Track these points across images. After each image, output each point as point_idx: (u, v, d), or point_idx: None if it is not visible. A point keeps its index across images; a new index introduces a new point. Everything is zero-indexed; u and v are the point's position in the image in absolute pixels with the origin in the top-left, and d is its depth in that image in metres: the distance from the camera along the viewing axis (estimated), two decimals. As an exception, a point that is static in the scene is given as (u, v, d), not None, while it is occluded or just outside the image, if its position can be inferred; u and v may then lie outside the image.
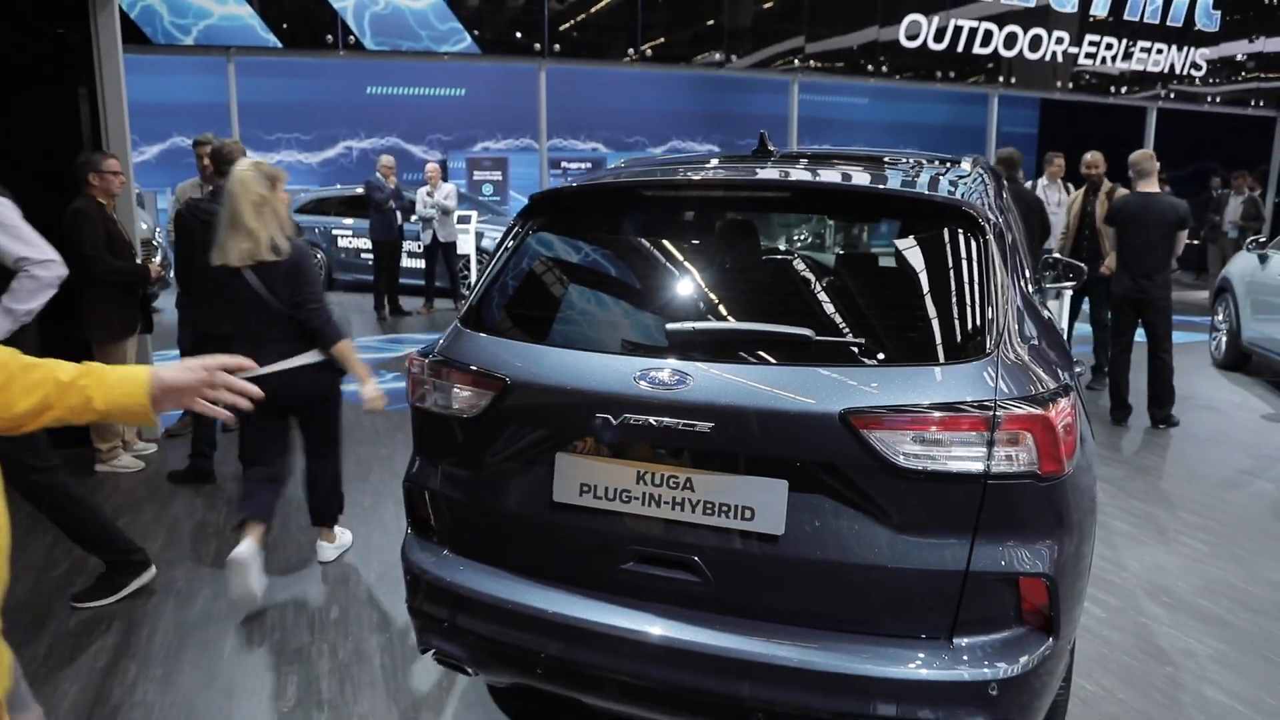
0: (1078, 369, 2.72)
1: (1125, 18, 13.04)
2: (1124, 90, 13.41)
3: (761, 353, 2.17)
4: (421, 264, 10.90)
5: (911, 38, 11.71)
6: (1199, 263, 14.06)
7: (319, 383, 3.76)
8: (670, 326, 2.24)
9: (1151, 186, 6.19)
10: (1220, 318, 8.40)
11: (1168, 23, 13.41)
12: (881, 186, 2.49)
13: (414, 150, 17.01)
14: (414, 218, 10.49)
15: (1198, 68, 13.88)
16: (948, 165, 2.90)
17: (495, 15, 10.07)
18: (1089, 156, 7.24)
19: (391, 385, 7.30)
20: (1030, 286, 2.60)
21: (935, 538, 2.01)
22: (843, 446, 2.00)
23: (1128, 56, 13.23)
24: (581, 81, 14.42)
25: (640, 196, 2.69)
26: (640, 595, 2.19)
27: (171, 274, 6.11)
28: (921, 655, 2.00)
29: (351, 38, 9.36)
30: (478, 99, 17.04)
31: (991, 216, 2.30)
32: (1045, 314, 2.77)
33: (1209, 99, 14.19)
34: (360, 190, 10.80)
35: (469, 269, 11.10)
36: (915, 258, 2.31)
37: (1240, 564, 4.12)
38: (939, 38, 11.84)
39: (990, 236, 2.23)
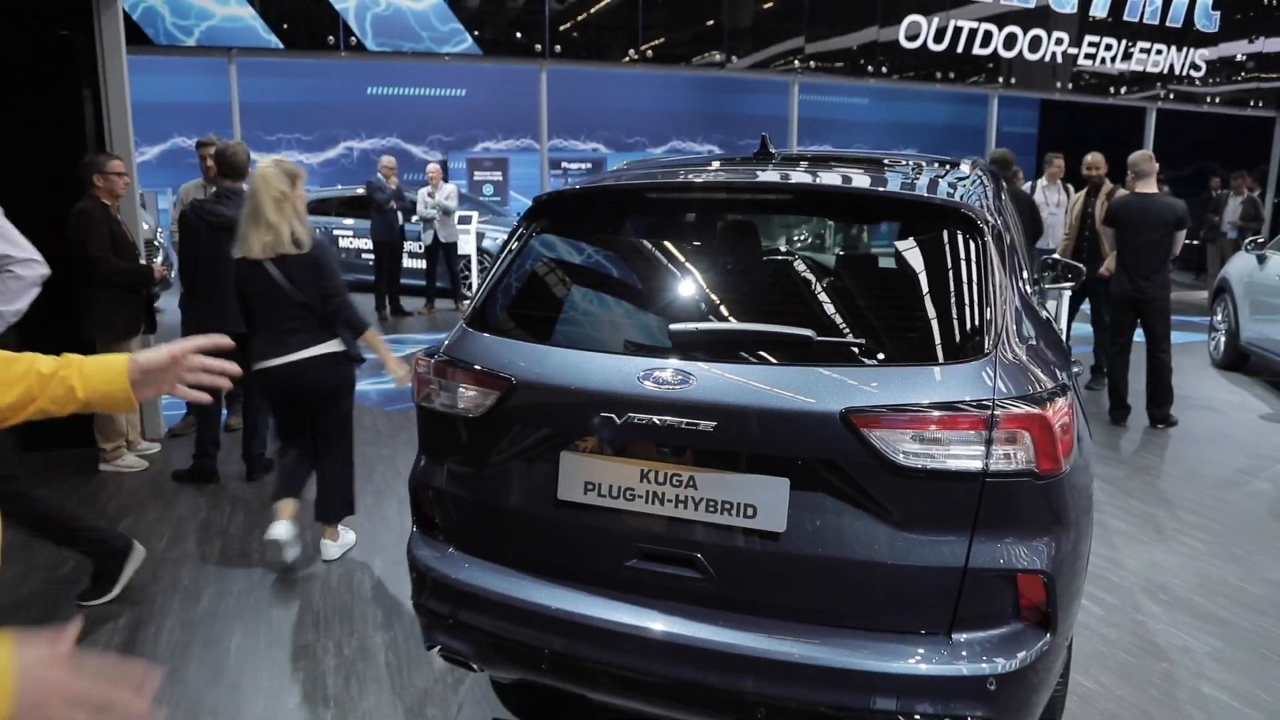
0: (1076, 369, 2.75)
1: (1125, 18, 13.06)
2: (1123, 91, 13.44)
3: (763, 353, 2.20)
4: (422, 264, 10.93)
5: (911, 38, 11.74)
6: (1198, 263, 14.09)
7: (333, 374, 3.92)
8: (673, 327, 2.27)
9: (1150, 187, 6.22)
10: (1219, 318, 8.43)
11: (1167, 23, 13.44)
12: (882, 189, 2.52)
13: (414, 151, 17.03)
14: (415, 218, 10.52)
15: (1197, 68, 13.91)
16: (947, 167, 2.93)
17: (496, 16, 10.10)
18: (1090, 158, 7.26)
19: (392, 385, 7.33)
20: (1028, 287, 2.63)
21: (934, 535, 2.04)
22: (843, 445, 2.03)
23: (1127, 57, 13.26)
24: (582, 82, 14.44)
25: (643, 199, 2.72)
26: (644, 592, 2.22)
27: (174, 274, 6.14)
28: (921, 651, 2.03)
29: (353, 39, 9.38)
30: (478, 99, 17.06)
31: (990, 218, 2.33)
32: (1044, 314, 2.80)
33: (1208, 99, 14.22)
34: (361, 191, 10.82)
35: (470, 269, 11.13)
36: (915, 259, 2.34)
37: (1237, 563, 4.15)
38: (939, 38, 11.87)
39: (989, 238, 2.26)
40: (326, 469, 4.02)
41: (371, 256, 10.71)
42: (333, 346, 3.87)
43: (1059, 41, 12.65)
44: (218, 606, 3.67)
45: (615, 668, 2.20)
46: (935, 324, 2.17)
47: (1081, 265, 4.56)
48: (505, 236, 2.76)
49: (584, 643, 2.22)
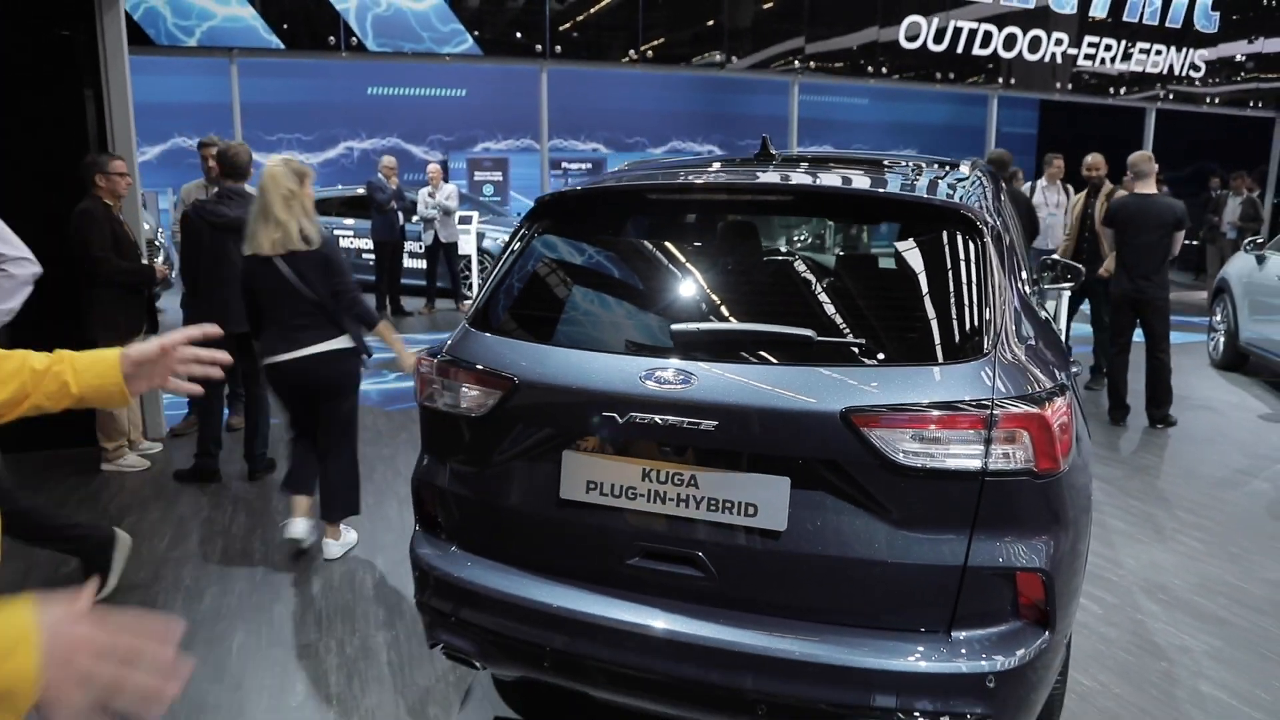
0: (1075, 369, 2.77)
1: (1124, 19, 13.07)
2: (1123, 91, 13.45)
3: (764, 353, 2.22)
4: (423, 264, 10.95)
5: (911, 39, 11.75)
6: (1198, 263, 14.11)
7: (341, 369, 3.98)
8: (675, 327, 2.28)
9: (1149, 188, 6.23)
10: (1218, 318, 8.44)
11: (1167, 24, 13.44)
12: (882, 190, 2.53)
13: (415, 151, 17.04)
14: (415, 218, 10.53)
15: (1196, 69, 13.92)
16: (946, 168, 2.95)
17: (496, 17, 10.11)
18: (1090, 159, 7.27)
19: (393, 386, 7.36)
20: (1027, 288, 2.65)
21: (934, 533, 2.05)
22: (844, 444, 2.04)
23: (1127, 57, 13.27)
24: (582, 82, 14.46)
25: (645, 200, 2.73)
26: (645, 590, 2.24)
27: (174, 274, 6.16)
28: (921, 648, 2.04)
29: (354, 39, 9.39)
30: (478, 99, 17.07)
31: (989, 219, 2.34)
32: (1043, 315, 2.82)
33: (1208, 100, 14.23)
34: (361, 191, 10.83)
35: (470, 269, 11.14)
36: (915, 260, 2.36)
37: (1236, 562, 4.16)
38: (939, 39, 11.89)
39: (988, 239, 2.27)
40: (330, 467, 4.05)
41: (372, 256, 10.72)
42: (341, 343, 3.93)
43: (1059, 42, 12.66)
44: (220, 605, 3.68)
45: (617, 665, 2.22)
46: (935, 324, 2.19)
47: (1080, 266, 4.58)
48: (507, 237, 2.78)
49: (586, 641, 2.24)
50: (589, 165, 17.11)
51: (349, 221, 11.94)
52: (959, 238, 2.28)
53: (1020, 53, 12.45)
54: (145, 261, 5.38)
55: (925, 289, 2.28)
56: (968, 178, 2.75)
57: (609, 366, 2.26)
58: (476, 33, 9.89)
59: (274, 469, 5.20)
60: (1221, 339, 8.31)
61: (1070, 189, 8.77)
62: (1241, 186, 12.54)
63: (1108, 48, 13.08)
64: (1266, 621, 3.61)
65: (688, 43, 10.97)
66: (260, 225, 3.82)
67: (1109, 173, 7.33)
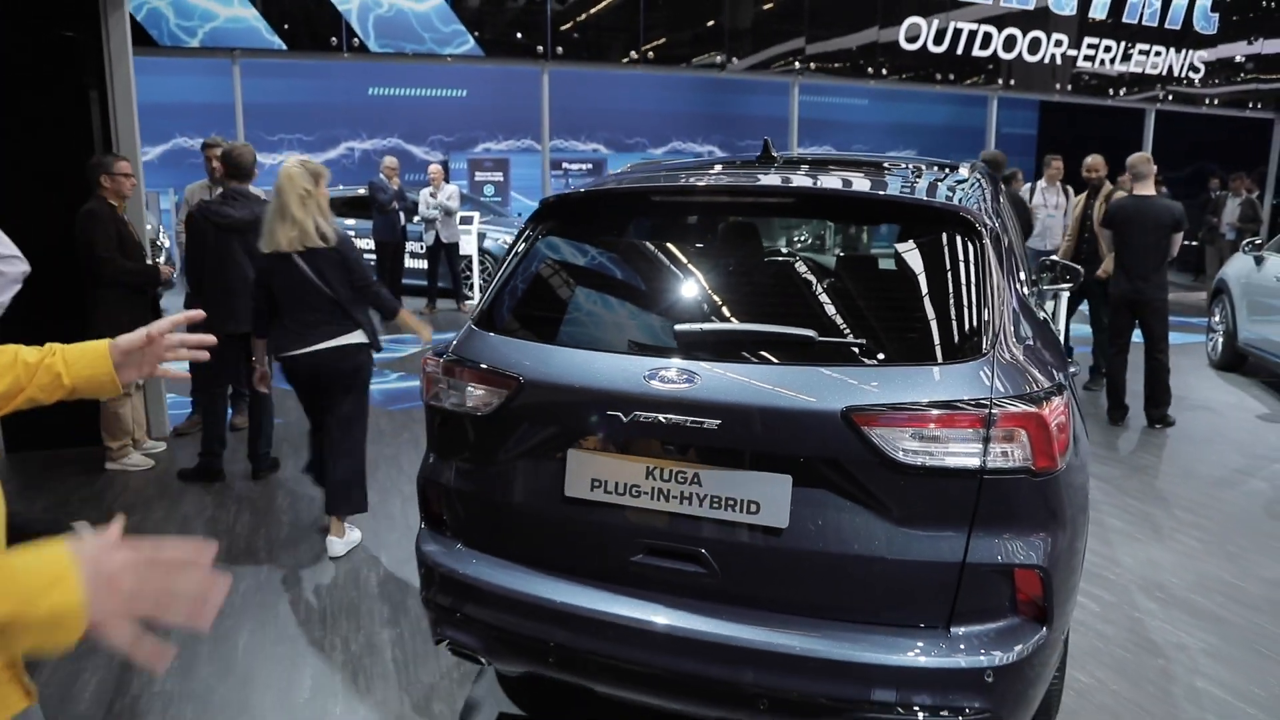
0: (1073, 369, 2.80)
1: (1124, 20, 13.10)
2: (1123, 92, 13.48)
3: (766, 353, 2.25)
4: (424, 265, 10.97)
5: (911, 40, 11.79)
6: (1196, 264, 14.14)
7: (353, 363, 4.05)
8: (678, 327, 2.32)
9: (1148, 189, 6.26)
10: (1217, 319, 8.47)
11: (1166, 25, 13.48)
12: (882, 192, 2.56)
13: (416, 151, 17.07)
14: (417, 219, 10.56)
15: (1196, 70, 13.96)
16: (946, 171, 2.98)
17: (498, 17, 10.15)
18: (1090, 160, 7.29)
19: (395, 385, 7.39)
20: (1026, 288, 2.68)
21: (933, 531, 2.08)
22: (845, 443, 2.08)
23: (1126, 59, 13.30)
24: (582, 83, 14.48)
25: (647, 201, 2.77)
26: (649, 586, 2.27)
27: (177, 274, 6.18)
28: (920, 644, 2.08)
29: (355, 40, 9.43)
30: (479, 100, 17.10)
31: (988, 221, 2.37)
32: (1041, 315, 2.85)
33: (1207, 101, 14.26)
34: (363, 191, 10.86)
35: (471, 270, 11.17)
36: (914, 261, 2.39)
37: (1233, 561, 4.19)
38: (939, 40, 11.92)
39: (987, 240, 2.31)
40: (337, 463, 4.09)
41: (373, 257, 10.75)
42: (355, 338, 4.02)
43: (1058, 43, 12.69)
44: (225, 603, 3.67)
45: (620, 661, 2.24)
46: (934, 325, 2.22)
47: (1079, 267, 4.61)
48: (509, 238, 2.81)
49: (590, 637, 2.27)
50: (589, 166, 17.13)
51: (350, 222, 11.94)
52: (958, 239, 2.31)
53: (1020, 54, 12.48)
54: (150, 262, 5.40)
55: (925, 290, 2.31)
56: (967, 180, 2.78)
57: (613, 366, 2.29)
58: (478, 34, 9.92)
59: (278, 468, 5.23)
60: (1220, 339, 8.34)
61: (1070, 190, 8.79)
62: (1240, 187, 12.58)
63: (1107, 49, 13.11)
64: (1263, 619, 3.65)
65: (688, 43, 11.00)
66: (277, 223, 3.91)
67: (1109, 174, 7.36)
